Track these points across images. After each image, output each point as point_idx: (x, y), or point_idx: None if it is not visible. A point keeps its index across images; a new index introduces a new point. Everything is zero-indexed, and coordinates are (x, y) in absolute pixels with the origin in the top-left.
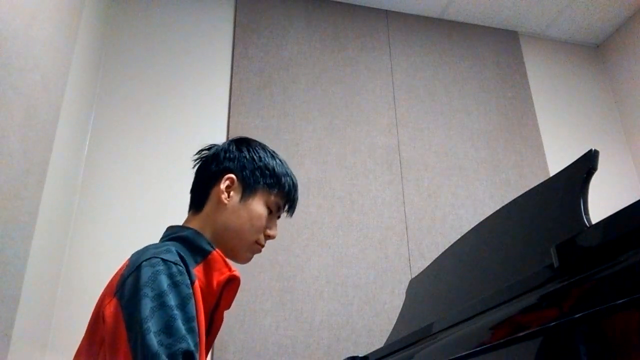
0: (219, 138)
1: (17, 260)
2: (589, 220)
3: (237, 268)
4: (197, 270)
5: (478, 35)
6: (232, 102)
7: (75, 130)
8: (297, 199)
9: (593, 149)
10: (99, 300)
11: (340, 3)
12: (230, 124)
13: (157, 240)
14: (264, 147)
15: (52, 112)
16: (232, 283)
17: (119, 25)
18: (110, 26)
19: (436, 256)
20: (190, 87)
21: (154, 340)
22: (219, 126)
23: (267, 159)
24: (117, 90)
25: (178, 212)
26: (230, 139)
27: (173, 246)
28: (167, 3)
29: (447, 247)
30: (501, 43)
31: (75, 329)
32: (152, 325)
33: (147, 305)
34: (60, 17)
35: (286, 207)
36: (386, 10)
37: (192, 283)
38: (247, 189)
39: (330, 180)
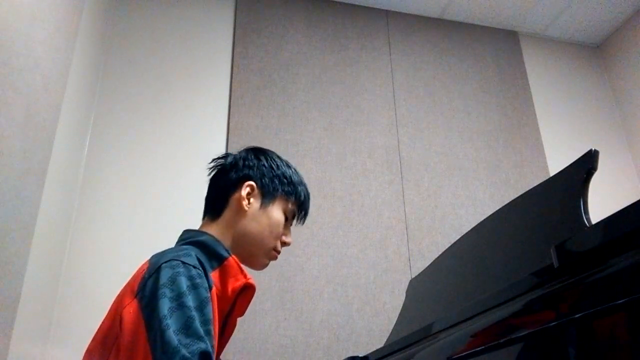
0: (219, 138)
1: (17, 260)
2: (588, 220)
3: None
4: (213, 276)
5: (478, 35)
6: (232, 102)
7: (75, 130)
8: (309, 207)
9: (593, 149)
10: (116, 301)
11: (340, 3)
12: (230, 124)
13: (156, 240)
14: (279, 157)
15: (52, 112)
16: (247, 291)
17: (119, 25)
18: (111, 26)
19: (436, 256)
20: (191, 87)
21: (173, 337)
22: (219, 126)
23: (284, 167)
24: (117, 90)
25: (178, 211)
26: (246, 148)
27: (192, 250)
28: (167, 3)
29: (447, 247)
30: (501, 43)
31: (75, 328)
32: (171, 324)
33: (166, 305)
34: (60, 17)
35: (299, 215)
36: (386, 10)
37: (210, 288)
38: (267, 196)
39: (330, 180)
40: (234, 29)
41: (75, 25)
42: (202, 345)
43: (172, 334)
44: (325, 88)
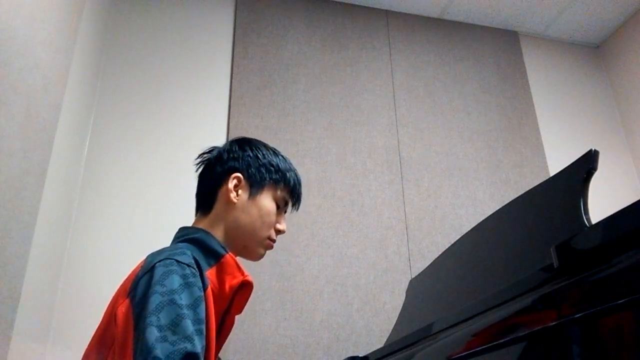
0: (219, 138)
1: (17, 260)
2: (589, 220)
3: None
4: (210, 273)
5: (478, 35)
6: (232, 102)
7: (75, 130)
8: (302, 193)
9: (593, 149)
10: (112, 301)
11: (340, 3)
12: (230, 124)
13: (156, 240)
14: (265, 145)
15: (52, 112)
16: (245, 288)
17: (119, 25)
18: (110, 26)
19: (436, 256)
20: (190, 87)
21: (154, 334)
22: (219, 126)
23: (270, 155)
24: (117, 90)
25: (178, 212)
26: (230, 140)
27: (188, 249)
28: (167, 3)
29: (447, 247)
30: (501, 43)
31: (75, 328)
32: (155, 320)
33: (156, 301)
34: (60, 17)
35: (292, 201)
36: (386, 10)
37: (205, 288)
38: (255, 186)
39: (330, 180)
40: (234, 29)
41: (75, 25)
42: (188, 346)
43: (155, 330)
44: (325, 88)
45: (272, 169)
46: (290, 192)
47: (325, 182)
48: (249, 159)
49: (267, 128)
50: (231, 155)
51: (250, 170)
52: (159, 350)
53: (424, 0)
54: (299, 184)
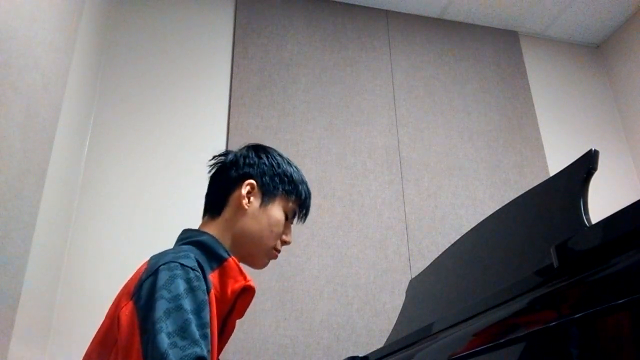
0: (219, 138)
1: (17, 260)
2: (588, 220)
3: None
4: (213, 277)
5: (478, 35)
6: (232, 102)
7: (75, 130)
8: (310, 206)
9: (593, 149)
10: (114, 303)
11: (340, 3)
12: (230, 124)
13: (156, 240)
14: (280, 154)
15: (52, 112)
16: (247, 293)
17: (119, 25)
18: (110, 26)
19: (436, 256)
20: (190, 87)
21: (164, 340)
22: (219, 126)
23: (284, 165)
24: (117, 90)
25: (178, 212)
26: (246, 145)
27: (191, 252)
28: (167, 3)
29: (447, 247)
30: (501, 43)
31: (75, 328)
32: (165, 326)
33: (162, 307)
34: (60, 17)
35: (300, 214)
36: (386, 10)
37: (208, 291)
38: (267, 195)
39: (330, 180)
40: (234, 29)
41: (75, 25)
42: (198, 350)
43: (165, 336)
44: (325, 88)
45: (286, 179)
46: (300, 205)
47: (325, 182)
48: (265, 167)
49: (267, 128)
50: (247, 161)
51: (264, 179)
52: (172, 357)
53: (424, 0)
54: (309, 198)
